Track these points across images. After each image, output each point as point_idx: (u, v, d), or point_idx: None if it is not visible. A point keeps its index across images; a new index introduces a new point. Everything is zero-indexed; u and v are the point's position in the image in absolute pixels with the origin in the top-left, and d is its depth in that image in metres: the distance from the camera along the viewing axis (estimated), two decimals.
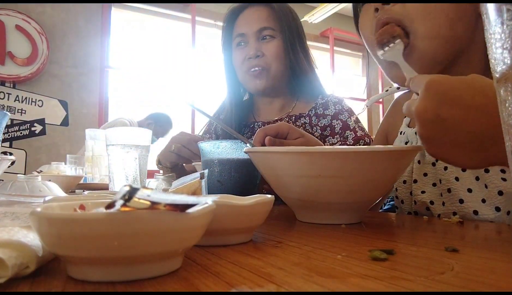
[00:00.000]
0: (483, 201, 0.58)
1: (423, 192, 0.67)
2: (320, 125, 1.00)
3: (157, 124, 2.96)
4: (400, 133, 0.75)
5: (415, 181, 0.68)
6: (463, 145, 0.38)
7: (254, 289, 0.23)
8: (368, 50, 0.68)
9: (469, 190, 0.59)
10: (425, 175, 0.67)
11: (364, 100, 5.29)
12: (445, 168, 0.62)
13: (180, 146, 0.87)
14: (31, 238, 0.26)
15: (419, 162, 0.68)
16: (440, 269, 0.27)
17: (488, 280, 0.24)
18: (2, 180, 0.93)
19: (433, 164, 0.65)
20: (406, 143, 0.72)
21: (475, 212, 0.58)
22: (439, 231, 0.46)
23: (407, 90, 0.77)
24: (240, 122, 1.10)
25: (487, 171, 0.57)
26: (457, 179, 0.61)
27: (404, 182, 0.71)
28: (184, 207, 0.25)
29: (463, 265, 0.28)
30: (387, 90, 0.70)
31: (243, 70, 1.03)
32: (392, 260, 0.30)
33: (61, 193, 0.60)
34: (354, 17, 0.72)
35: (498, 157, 0.37)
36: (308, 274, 0.26)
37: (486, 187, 0.57)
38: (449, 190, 0.62)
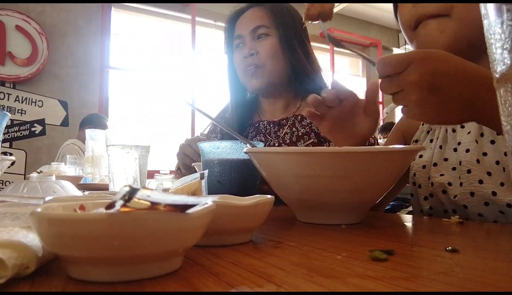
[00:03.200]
0: (502, 184, 0.60)
1: (441, 175, 0.69)
2: None
3: (96, 126, 2.80)
4: (422, 124, 0.79)
5: (435, 164, 0.70)
6: (452, 106, 0.44)
7: (254, 289, 0.23)
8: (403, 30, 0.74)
9: (489, 173, 0.61)
10: (446, 159, 0.69)
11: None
12: (467, 150, 0.65)
13: (187, 145, 0.91)
14: (31, 238, 0.26)
15: (440, 147, 0.70)
16: (440, 269, 0.27)
17: (488, 280, 0.24)
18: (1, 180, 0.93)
19: (455, 150, 0.68)
20: (428, 132, 0.76)
21: (494, 193, 0.60)
22: (439, 231, 0.46)
23: None
24: (243, 122, 1.10)
25: (506, 154, 0.60)
26: (478, 161, 0.63)
27: (424, 166, 0.73)
28: (184, 207, 0.25)
29: (463, 265, 0.28)
30: None
31: (241, 70, 1.05)
32: (392, 260, 0.30)
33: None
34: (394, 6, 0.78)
35: (485, 114, 0.45)
36: (308, 274, 0.26)
37: (504, 170, 0.59)
38: (468, 171, 0.64)
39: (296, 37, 1.02)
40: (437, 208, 0.71)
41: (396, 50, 5.58)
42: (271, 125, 1.07)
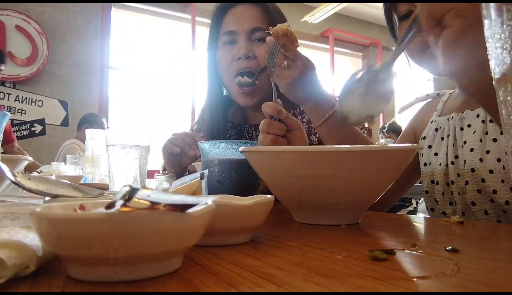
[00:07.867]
0: (502, 181, 0.64)
1: (458, 175, 0.73)
2: (305, 120, 0.97)
3: (92, 124, 2.74)
4: (431, 122, 0.83)
5: (452, 163, 0.75)
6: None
7: (254, 289, 0.23)
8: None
9: (491, 171, 0.66)
10: (456, 157, 0.74)
11: None
12: (471, 150, 0.70)
13: (177, 137, 0.88)
14: (31, 238, 0.26)
15: (453, 145, 0.75)
16: (440, 269, 0.27)
17: (488, 280, 0.24)
18: None
19: (462, 147, 0.72)
20: (436, 129, 0.80)
21: (495, 191, 0.65)
22: (439, 231, 0.46)
23: (434, 98, 0.90)
24: (225, 124, 1.05)
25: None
26: (481, 160, 0.67)
27: (440, 164, 0.77)
28: (184, 207, 0.25)
29: (463, 265, 0.28)
30: (417, 98, 0.88)
31: (230, 73, 0.93)
32: (392, 260, 0.30)
33: None
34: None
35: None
36: (308, 274, 0.26)
37: (504, 168, 0.63)
38: (472, 170, 0.68)
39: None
40: (447, 207, 0.75)
41: None
42: (253, 129, 1.03)
